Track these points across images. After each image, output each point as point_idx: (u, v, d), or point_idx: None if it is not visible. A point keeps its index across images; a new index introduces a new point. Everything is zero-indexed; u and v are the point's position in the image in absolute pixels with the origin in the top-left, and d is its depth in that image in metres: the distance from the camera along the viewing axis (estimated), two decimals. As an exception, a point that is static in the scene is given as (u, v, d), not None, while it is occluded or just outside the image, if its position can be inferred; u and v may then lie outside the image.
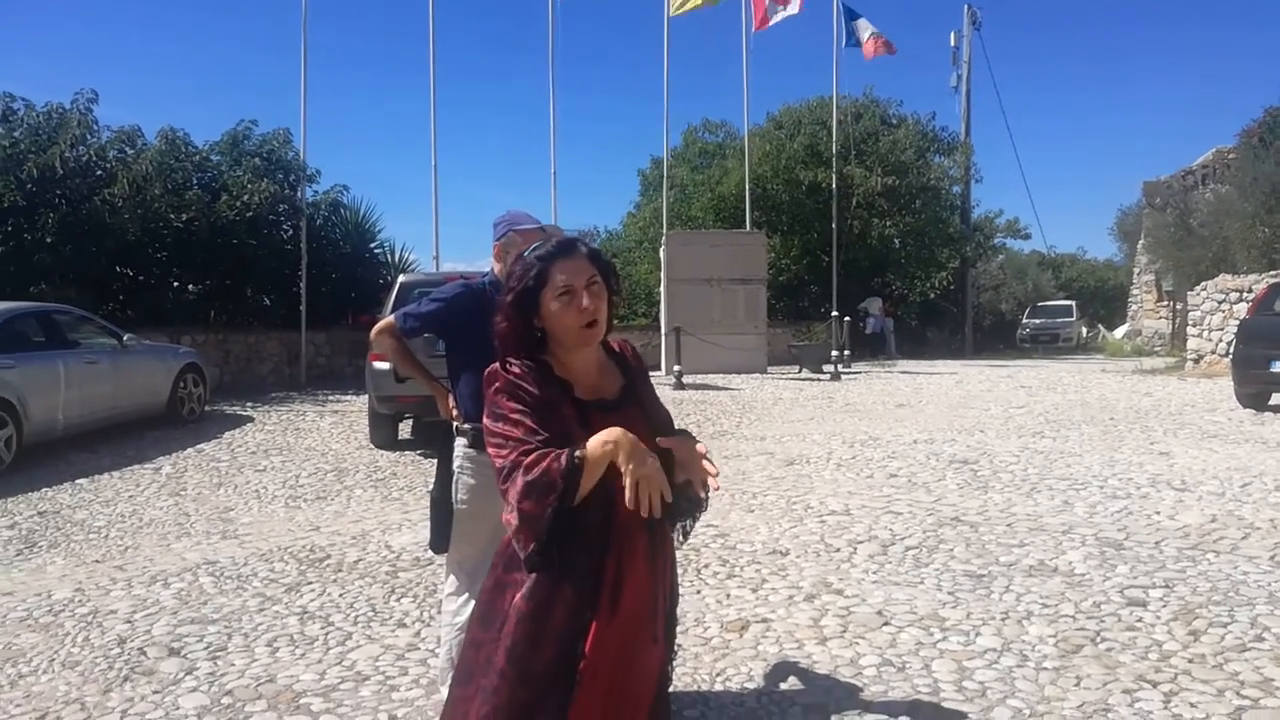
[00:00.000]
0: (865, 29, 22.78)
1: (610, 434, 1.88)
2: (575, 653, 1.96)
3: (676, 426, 2.24)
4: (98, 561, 5.36)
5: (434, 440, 3.65)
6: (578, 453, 1.86)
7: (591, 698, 1.96)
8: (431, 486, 3.49)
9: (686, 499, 2.14)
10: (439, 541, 3.41)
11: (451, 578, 3.33)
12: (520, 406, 1.97)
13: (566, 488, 1.84)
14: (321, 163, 35.40)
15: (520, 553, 1.94)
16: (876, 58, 23.01)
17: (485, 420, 2.02)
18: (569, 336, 2.07)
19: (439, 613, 3.58)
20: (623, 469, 1.86)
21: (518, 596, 1.99)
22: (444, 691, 3.26)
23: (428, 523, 5.96)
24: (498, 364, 2.06)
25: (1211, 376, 15.61)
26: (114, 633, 4.14)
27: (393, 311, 4.04)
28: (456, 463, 3.29)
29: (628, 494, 1.84)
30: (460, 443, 3.29)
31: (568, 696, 1.94)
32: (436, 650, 3.86)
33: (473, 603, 3.20)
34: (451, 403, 3.40)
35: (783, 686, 3.51)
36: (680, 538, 2.23)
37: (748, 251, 18.83)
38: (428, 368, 3.60)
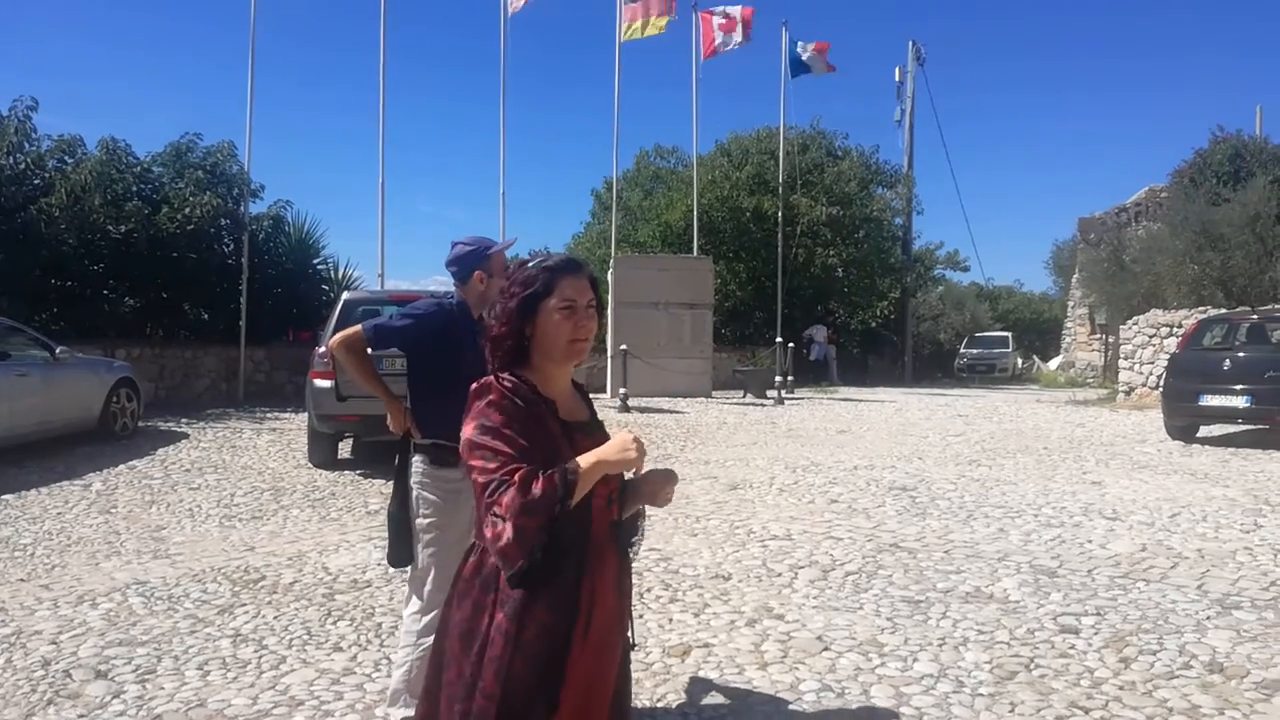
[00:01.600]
0: (806, 50, 23.21)
1: (595, 453, 1.95)
2: (551, 674, 1.95)
3: None
4: (23, 580, 5.20)
5: (390, 454, 3.63)
6: (570, 468, 1.89)
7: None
8: (388, 502, 3.46)
9: (633, 525, 2.17)
10: (397, 556, 3.38)
11: (414, 597, 3.30)
12: (511, 422, 1.96)
13: (563, 505, 1.87)
14: (266, 175, 34.97)
15: (506, 570, 1.92)
16: (823, 76, 23.52)
17: (470, 431, 1.98)
18: (558, 350, 2.07)
19: (399, 632, 3.52)
20: (617, 469, 1.96)
21: (500, 617, 1.96)
22: (393, 714, 3.22)
23: (366, 544, 5.93)
24: (491, 376, 2.04)
25: (1142, 408, 16.01)
26: (38, 654, 4.01)
27: (337, 328, 4.02)
28: (415, 479, 3.28)
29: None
30: (418, 459, 3.29)
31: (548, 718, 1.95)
32: (385, 671, 3.81)
33: (433, 619, 3.17)
34: (408, 419, 3.40)
35: (723, 712, 3.51)
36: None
37: (695, 277, 18.97)
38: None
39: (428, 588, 3.25)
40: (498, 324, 2.11)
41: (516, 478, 1.87)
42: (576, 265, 2.15)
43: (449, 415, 3.24)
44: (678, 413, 15.02)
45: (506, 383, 2.02)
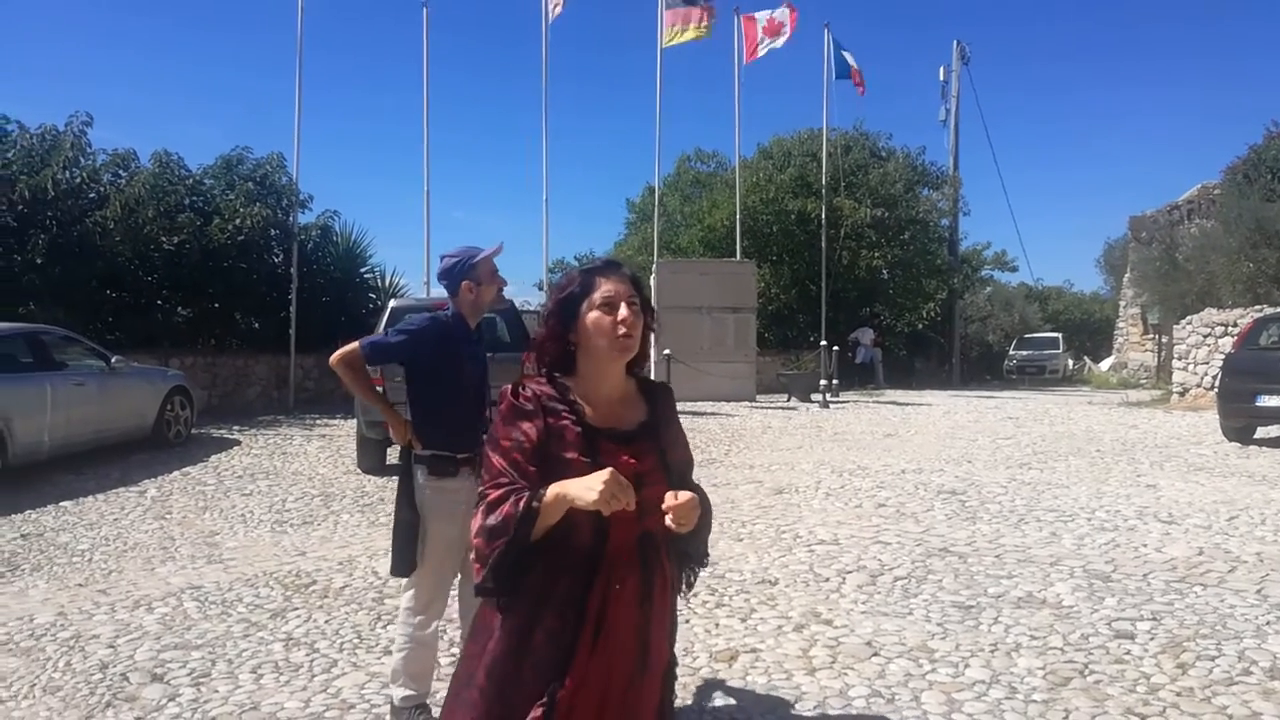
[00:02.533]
0: (849, 57, 23.15)
1: (561, 485, 1.88)
2: (555, 681, 1.94)
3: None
4: (81, 585, 5.31)
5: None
6: (537, 497, 1.88)
7: None
8: (395, 511, 3.56)
9: (694, 549, 2.16)
10: (401, 566, 3.45)
11: (410, 592, 3.44)
12: (512, 432, 1.97)
13: (518, 534, 1.88)
14: (313, 184, 35.21)
15: (475, 578, 1.97)
16: (866, 73, 23.45)
17: (486, 437, 2.06)
18: (603, 348, 2.02)
19: (397, 619, 3.61)
20: (584, 505, 1.84)
21: (507, 616, 1.99)
22: (395, 691, 3.37)
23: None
24: (511, 384, 2.04)
25: (1197, 409, 15.68)
26: (96, 658, 4.09)
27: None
28: (418, 490, 3.35)
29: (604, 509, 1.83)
30: (420, 470, 3.37)
31: None
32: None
33: (424, 619, 3.38)
34: (409, 431, 3.52)
35: (771, 718, 3.49)
36: (684, 586, 2.22)
37: (737, 280, 18.89)
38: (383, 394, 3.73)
39: (412, 590, 3.41)
40: (541, 325, 2.11)
41: (488, 499, 1.92)
42: (615, 265, 2.13)
43: (447, 426, 3.36)
44: (722, 416, 14.98)
45: (525, 391, 2.01)
